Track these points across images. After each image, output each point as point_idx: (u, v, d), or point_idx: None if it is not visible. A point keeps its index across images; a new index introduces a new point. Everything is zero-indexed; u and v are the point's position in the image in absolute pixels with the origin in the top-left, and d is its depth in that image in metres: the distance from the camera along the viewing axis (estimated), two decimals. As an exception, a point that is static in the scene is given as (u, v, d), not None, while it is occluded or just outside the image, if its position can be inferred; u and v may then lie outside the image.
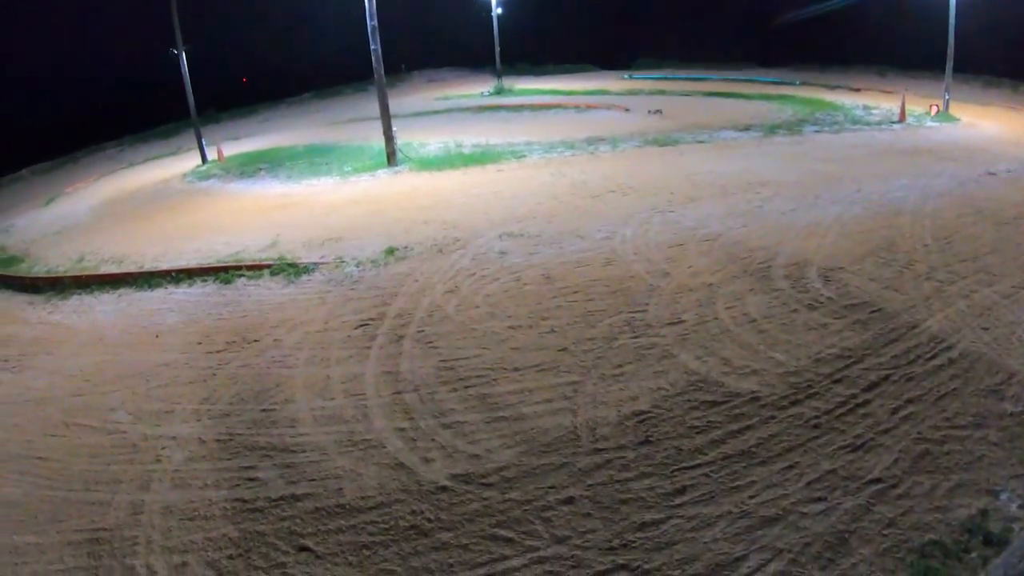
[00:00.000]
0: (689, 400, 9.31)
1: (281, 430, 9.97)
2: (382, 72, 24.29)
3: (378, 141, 25.02)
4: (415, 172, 22.63)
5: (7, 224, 26.11)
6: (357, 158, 25.51)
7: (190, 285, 15.49)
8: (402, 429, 9.45)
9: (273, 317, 13.33)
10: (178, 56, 30.99)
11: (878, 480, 7.69)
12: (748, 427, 8.70)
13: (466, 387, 10.13)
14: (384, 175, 22.84)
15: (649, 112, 31.78)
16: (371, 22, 23.40)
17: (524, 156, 23.12)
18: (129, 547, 8.64)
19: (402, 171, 22.94)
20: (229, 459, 9.68)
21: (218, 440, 10.11)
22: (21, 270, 19.14)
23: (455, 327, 11.77)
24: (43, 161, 39.87)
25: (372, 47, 23.81)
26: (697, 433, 8.69)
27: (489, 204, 18.01)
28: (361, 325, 12.36)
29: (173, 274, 15.99)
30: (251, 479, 9.23)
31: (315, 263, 15.11)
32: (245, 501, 8.88)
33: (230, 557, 8.16)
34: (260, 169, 26.68)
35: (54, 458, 10.78)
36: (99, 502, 9.54)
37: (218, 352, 12.44)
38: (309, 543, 8.08)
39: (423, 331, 11.79)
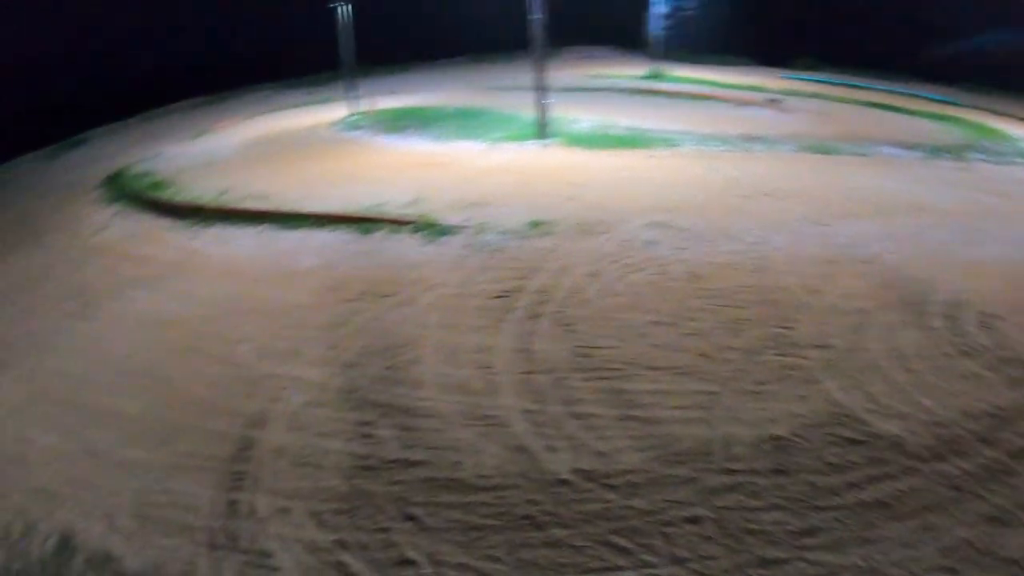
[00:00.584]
0: (829, 433, 8.47)
1: (405, 391, 9.70)
2: (542, 43, 23.74)
3: (529, 112, 24.45)
4: (565, 147, 21.96)
5: (157, 151, 26.95)
6: (507, 126, 24.99)
7: (330, 231, 15.45)
8: (529, 411, 9.00)
9: (409, 274, 13.07)
10: (338, 8, 31.38)
11: (1013, 561, 6.79)
12: (887, 475, 7.83)
13: (600, 378, 9.57)
14: (533, 147, 22.30)
15: (769, 100, 30.38)
16: (537, -9, 22.94)
17: (676, 145, 22.19)
18: (235, 481, 8.53)
19: (552, 145, 22.31)
20: (349, 411, 9.48)
21: (340, 390, 9.93)
22: (166, 196, 19.61)
23: (594, 313, 11.19)
24: (196, 96, 41.19)
25: (534, 17, 23.32)
26: (833, 471, 7.89)
27: (638, 190, 17.28)
28: (498, 296, 11.94)
29: (314, 218, 15.97)
30: (367, 435, 8.97)
31: (457, 226, 14.77)
32: (359, 457, 8.63)
33: (335, 512, 7.91)
34: (409, 126, 26.54)
35: (175, 380, 10.87)
36: (213, 431, 9.49)
37: (350, 301, 12.29)
38: (417, 513, 7.74)
39: (561, 312, 11.26)
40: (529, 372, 9.78)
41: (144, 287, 14.46)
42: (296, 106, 36.75)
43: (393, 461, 8.45)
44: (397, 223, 15.11)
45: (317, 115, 32.41)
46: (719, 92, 33.87)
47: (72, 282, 15.46)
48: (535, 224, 14.66)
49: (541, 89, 23.26)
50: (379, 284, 12.77)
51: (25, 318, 14.22)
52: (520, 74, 35.36)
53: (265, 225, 16.33)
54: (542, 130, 22.95)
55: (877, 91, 36.99)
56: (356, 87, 32.34)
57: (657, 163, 20.24)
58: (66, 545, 8.18)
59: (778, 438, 8.42)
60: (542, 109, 23.16)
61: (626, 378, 9.57)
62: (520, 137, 23.10)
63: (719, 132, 24.28)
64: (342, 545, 7.48)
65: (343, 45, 32.29)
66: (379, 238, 14.83)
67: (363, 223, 15.36)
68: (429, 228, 14.75)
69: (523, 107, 26.55)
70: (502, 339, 10.62)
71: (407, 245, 14.36)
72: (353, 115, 30.73)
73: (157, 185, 20.93)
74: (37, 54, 30.31)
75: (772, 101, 30.54)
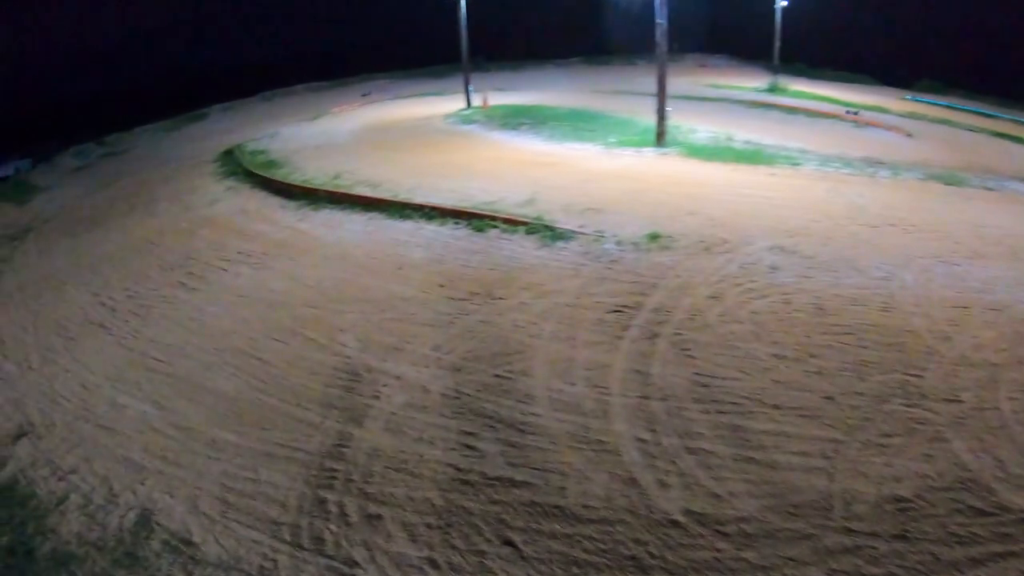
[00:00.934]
0: (955, 500, 7.62)
1: (512, 403, 9.17)
2: (665, 48, 22.99)
3: (644, 117, 23.93)
4: (683, 157, 21.21)
5: (273, 131, 27.36)
6: (623, 131, 24.43)
7: (441, 224, 15.11)
8: (643, 440, 8.37)
9: (522, 278, 12.54)
10: (460, 3, 31.33)
11: None
12: (1012, 553, 7.00)
13: (719, 412, 8.86)
14: (650, 154, 21.63)
15: (847, 112, 29.77)
16: (662, -5, 22.18)
17: (798, 164, 21.20)
18: (326, 479, 8.23)
19: (669, 153, 21.60)
20: (451, 418, 9.04)
21: (444, 394, 9.49)
22: (279, 175, 19.76)
23: (715, 339, 10.44)
24: (317, 81, 42.04)
25: (658, 21, 22.55)
26: (957, 543, 7.10)
27: (759, 208, 16.43)
28: (615, 310, 11.27)
29: (426, 209, 15.68)
30: (470, 447, 8.51)
31: (573, 231, 14.18)
32: (459, 469, 8.19)
33: (428, 526, 7.49)
34: (523, 123, 26.32)
35: (274, 364, 10.67)
36: (308, 422, 9.24)
37: (460, 300, 11.88)
38: (516, 539, 7.25)
39: (680, 335, 10.55)
40: (644, 397, 9.13)
41: (250, 264, 14.43)
42: (411, 96, 36.94)
43: (495, 479, 7.97)
44: (511, 223, 14.60)
45: (432, 106, 32.47)
46: (812, 105, 32.73)
47: (180, 251, 15.58)
48: (654, 237, 13.95)
49: (661, 96, 22.52)
50: (491, 285, 12.30)
51: (131, 283, 14.34)
52: (634, 79, 34.82)
53: (375, 213, 16.13)
54: (660, 138, 22.19)
55: (1005, 120, 35.06)
56: (471, 81, 32.27)
57: (778, 182, 19.30)
58: (146, 522, 8.03)
59: (902, 500, 7.63)
60: (660, 116, 22.40)
61: (746, 415, 8.84)
62: (636, 143, 22.41)
63: (840, 153, 23.12)
64: (433, 564, 7.07)
65: (463, 40, 32.26)
66: (492, 236, 14.35)
67: (476, 219, 14.93)
68: (545, 231, 14.17)
69: (638, 112, 25.96)
70: (618, 358, 9.97)
71: (521, 247, 13.82)
72: (467, 109, 30.63)
73: (270, 164, 21.10)
74: (169, 27, 31.14)
75: (850, 114, 29.94)
